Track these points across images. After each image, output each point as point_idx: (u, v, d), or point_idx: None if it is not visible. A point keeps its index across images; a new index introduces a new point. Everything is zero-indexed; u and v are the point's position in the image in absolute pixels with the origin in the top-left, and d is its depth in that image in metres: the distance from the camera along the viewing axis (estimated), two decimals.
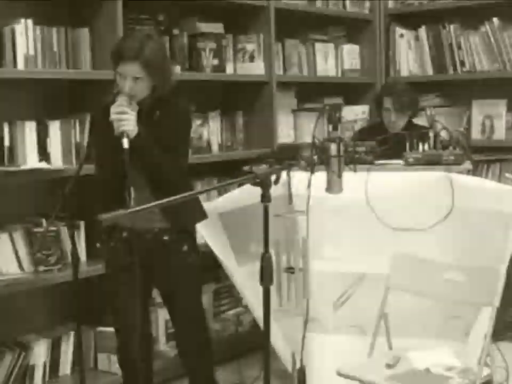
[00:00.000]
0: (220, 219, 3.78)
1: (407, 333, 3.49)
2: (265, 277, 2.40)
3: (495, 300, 2.91)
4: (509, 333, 4.37)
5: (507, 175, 4.35)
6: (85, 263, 3.79)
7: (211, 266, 4.01)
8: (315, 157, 2.45)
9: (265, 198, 2.33)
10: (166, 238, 3.23)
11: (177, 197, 2.48)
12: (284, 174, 2.51)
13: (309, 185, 2.62)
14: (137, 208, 2.22)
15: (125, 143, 2.94)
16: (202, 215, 3.39)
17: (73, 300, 3.37)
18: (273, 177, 2.36)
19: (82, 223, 3.81)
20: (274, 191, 2.54)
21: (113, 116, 2.99)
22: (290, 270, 2.44)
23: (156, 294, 3.65)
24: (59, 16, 3.74)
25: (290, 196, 2.35)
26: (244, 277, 3.88)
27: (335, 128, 2.53)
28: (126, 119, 2.98)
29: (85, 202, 3.82)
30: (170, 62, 3.38)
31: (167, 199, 2.45)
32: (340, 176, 2.51)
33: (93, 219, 3.68)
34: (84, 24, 3.77)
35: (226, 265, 3.87)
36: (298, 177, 3.02)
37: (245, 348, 4.45)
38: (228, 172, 4.44)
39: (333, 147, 2.48)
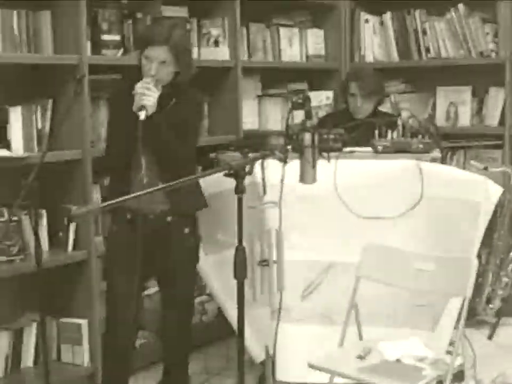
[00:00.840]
0: None
1: (376, 322, 3.48)
2: (239, 270, 2.33)
3: (467, 290, 2.88)
4: (472, 319, 4.38)
5: (472, 162, 4.36)
6: (47, 253, 3.69)
7: None
8: (289, 147, 2.39)
9: (239, 189, 2.26)
10: (169, 219, 3.30)
11: (170, 184, 2.55)
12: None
13: (282, 178, 2.57)
14: (111, 202, 2.14)
15: (142, 115, 3.06)
16: (204, 203, 3.45)
17: (36, 290, 3.28)
18: (246, 168, 2.30)
19: (44, 212, 3.70)
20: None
21: (138, 90, 3.10)
22: (263, 262, 2.38)
23: None
24: None
25: (264, 187, 2.29)
26: (209, 265, 3.83)
27: (309, 117, 2.47)
28: (148, 95, 3.08)
29: (48, 191, 3.76)
30: (193, 51, 3.53)
31: (159, 187, 2.68)
32: (314, 166, 2.45)
33: (59, 208, 3.67)
34: (46, 7, 3.64)
35: None
36: (269, 166, 2.96)
37: (210, 338, 4.40)
38: None
39: (307, 137, 2.42)
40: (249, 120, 4.78)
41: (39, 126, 3.62)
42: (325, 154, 2.49)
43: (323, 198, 3.46)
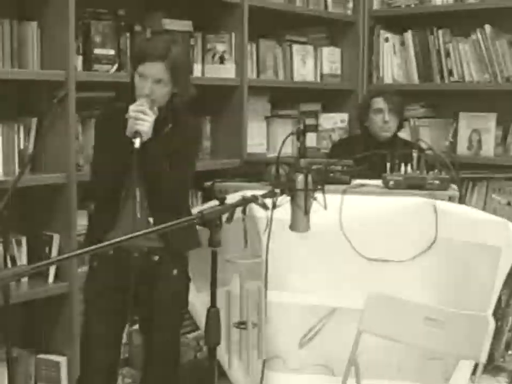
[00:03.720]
0: None
1: (381, 375, 3.19)
2: (212, 335, 2.01)
3: (481, 354, 2.54)
4: (489, 366, 4.06)
5: (494, 196, 4.05)
6: (26, 284, 3.41)
7: None
8: (278, 191, 2.08)
9: (213, 242, 1.94)
10: (155, 258, 2.98)
11: (168, 224, 2.11)
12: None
13: (269, 226, 2.26)
14: (43, 263, 1.82)
15: (137, 142, 2.78)
16: (197, 242, 3.09)
17: (4, 326, 2.97)
18: (224, 217, 1.97)
19: (24, 239, 3.42)
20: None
21: (131, 114, 2.83)
22: (241, 325, 2.07)
23: None
24: (3, 7, 3.31)
25: (245, 239, 1.98)
26: (201, 303, 3.52)
27: (302, 156, 2.15)
28: (143, 119, 2.82)
29: (29, 216, 3.49)
30: (192, 71, 3.25)
31: (155, 228, 2.27)
32: (306, 213, 2.13)
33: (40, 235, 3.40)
34: (32, 18, 3.36)
35: None
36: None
37: (203, 376, 4.09)
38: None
39: (300, 179, 2.10)
40: (256, 142, 4.47)
41: (21, 146, 3.34)
42: (319, 198, 2.16)
43: (326, 236, 3.17)
